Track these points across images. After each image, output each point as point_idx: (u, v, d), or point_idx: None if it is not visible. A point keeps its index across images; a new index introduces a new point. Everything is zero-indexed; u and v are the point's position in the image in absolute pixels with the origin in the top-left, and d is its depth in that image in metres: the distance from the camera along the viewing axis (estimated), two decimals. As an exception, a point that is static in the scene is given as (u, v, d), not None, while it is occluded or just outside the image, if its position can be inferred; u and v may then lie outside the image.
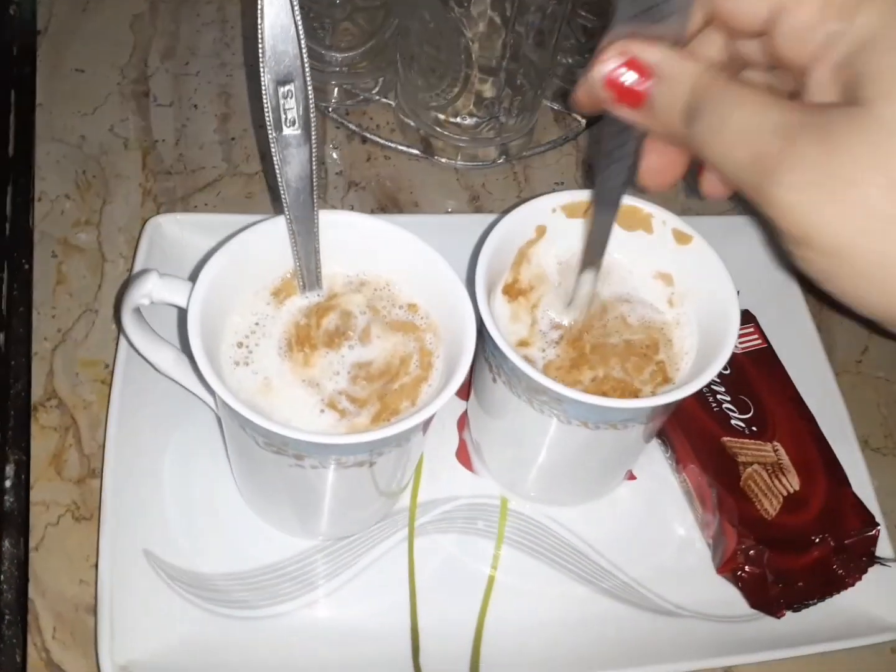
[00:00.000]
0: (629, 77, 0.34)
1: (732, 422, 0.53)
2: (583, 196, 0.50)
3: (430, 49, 0.62)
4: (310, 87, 0.42)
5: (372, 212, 0.66)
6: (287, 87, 0.42)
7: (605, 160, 0.40)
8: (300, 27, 0.40)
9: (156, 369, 0.49)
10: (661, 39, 0.33)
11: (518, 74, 0.63)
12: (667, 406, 0.44)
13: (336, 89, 0.70)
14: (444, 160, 0.69)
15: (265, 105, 0.41)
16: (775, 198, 0.29)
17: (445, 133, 0.67)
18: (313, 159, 0.43)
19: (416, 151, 0.69)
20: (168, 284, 0.44)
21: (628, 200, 0.50)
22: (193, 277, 0.56)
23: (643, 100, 0.34)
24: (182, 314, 0.44)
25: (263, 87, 0.41)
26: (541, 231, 0.50)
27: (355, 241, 0.48)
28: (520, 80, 0.64)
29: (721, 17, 0.36)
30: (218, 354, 0.44)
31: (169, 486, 0.51)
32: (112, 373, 0.54)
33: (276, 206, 0.65)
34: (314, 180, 0.44)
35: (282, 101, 0.42)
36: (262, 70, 0.41)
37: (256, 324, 0.46)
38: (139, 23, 0.75)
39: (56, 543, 0.50)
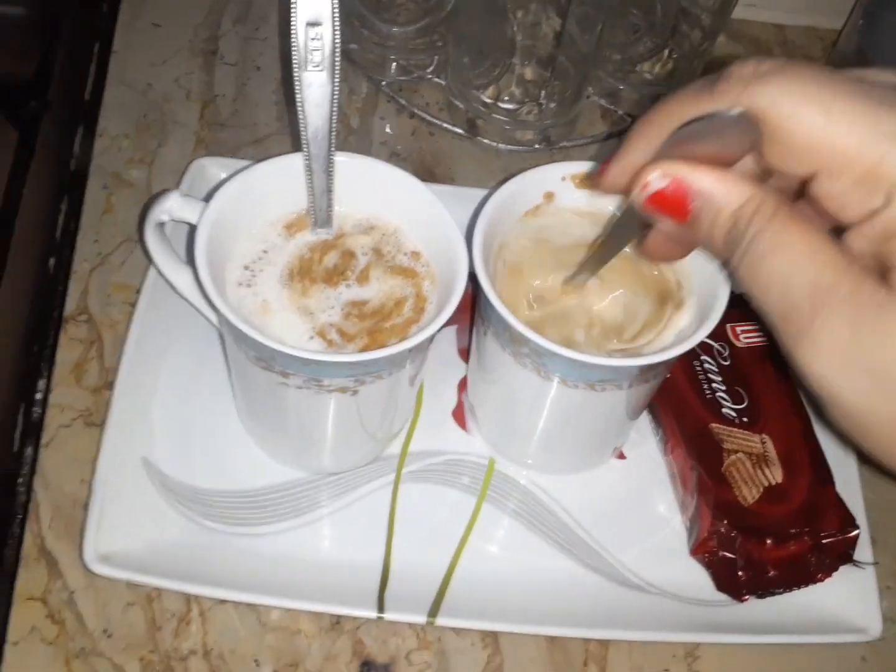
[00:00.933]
0: (672, 197, 0.32)
1: (723, 409, 0.54)
2: (591, 166, 0.51)
3: (477, 28, 0.64)
4: (337, 32, 0.44)
5: (409, 182, 0.69)
6: (316, 30, 0.44)
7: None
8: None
9: (172, 288, 0.52)
10: (707, 158, 0.32)
11: (561, 58, 0.65)
12: (644, 370, 0.45)
13: (393, 65, 0.73)
14: (485, 141, 0.71)
15: (293, 43, 0.44)
16: (801, 360, 0.29)
17: (490, 115, 0.70)
18: (334, 101, 0.46)
19: (459, 130, 0.71)
20: (186, 203, 0.47)
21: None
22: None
23: (685, 218, 0.32)
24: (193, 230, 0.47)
25: (293, 27, 0.44)
26: (549, 197, 0.51)
27: (369, 185, 0.50)
28: (562, 65, 0.66)
29: (764, 159, 0.33)
30: (223, 273, 0.47)
31: (173, 402, 0.54)
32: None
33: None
34: (333, 122, 0.46)
35: (309, 42, 0.44)
36: (292, 9, 0.43)
37: (265, 251, 0.49)
38: (219, -13, 0.79)
39: (65, 444, 0.54)
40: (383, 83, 0.73)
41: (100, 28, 0.81)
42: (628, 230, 0.40)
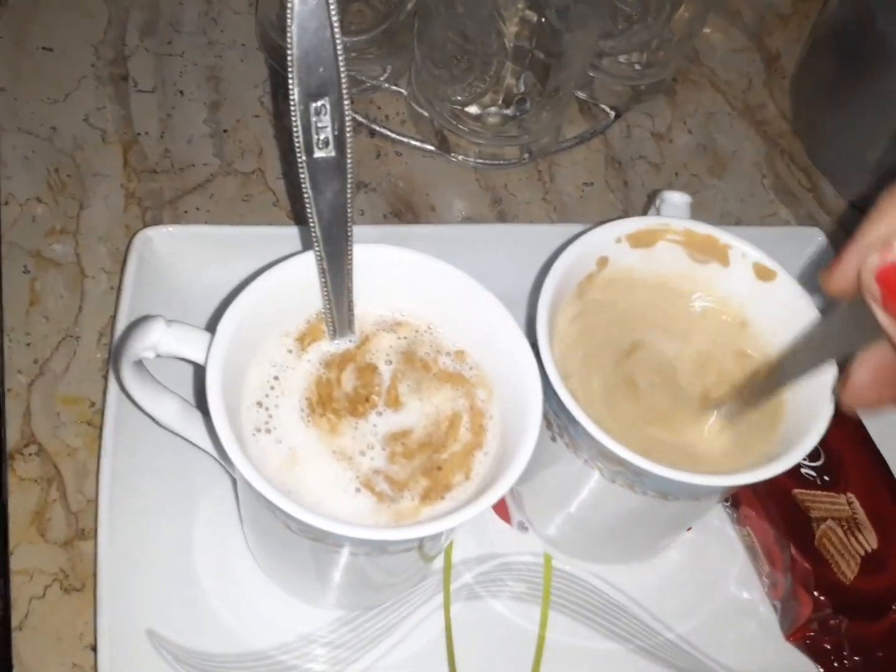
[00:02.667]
0: None
1: (803, 471, 0.48)
2: (649, 223, 0.43)
3: (457, 36, 0.55)
4: (346, 102, 0.35)
5: (384, 217, 0.59)
6: (320, 102, 0.35)
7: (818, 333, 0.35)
8: (337, 30, 0.33)
9: (158, 424, 0.42)
10: None
11: (551, 69, 0.57)
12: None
13: (341, 75, 0.62)
14: (460, 157, 0.62)
15: (294, 124, 0.35)
16: None
17: (462, 127, 0.60)
18: (349, 186, 0.36)
19: (430, 147, 0.62)
20: (178, 335, 0.37)
21: (699, 225, 0.44)
22: (190, 300, 0.50)
23: None
24: (198, 370, 0.37)
25: (292, 103, 0.34)
26: (602, 262, 0.43)
27: (390, 276, 0.41)
28: (552, 76, 0.57)
29: None
30: (239, 418, 0.37)
31: (172, 553, 0.45)
32: (102, 413, 0.47)
33: (277, 211, 0.58)
34: (349, 211, 0.37)
35: (313, 119, 0.35)
36: (290, 83, 0.34)
37: (275, 378, 0.39)
38: (113, -9, 0.66)
39: (43, 620, 0.44)
40: (333, 98, 0.63)
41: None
42: (832, 346, 0.33)
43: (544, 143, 0.62)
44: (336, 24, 0.32)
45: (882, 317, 0.27)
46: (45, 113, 0.59)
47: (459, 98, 0.58)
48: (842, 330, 0.33)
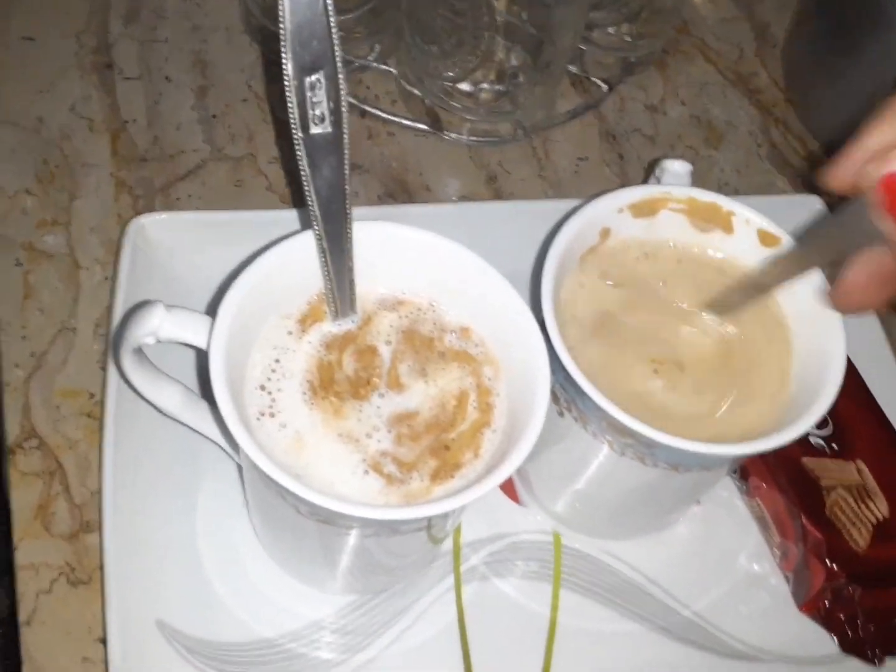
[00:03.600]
0: None
1: (811, 439, 0.48)
2: (651, 192, 0.43)
3: (447, 11, 0.54)
4: (341, 76, 0.34)
5: (378, 198, 0.59)
6: (315, 77, 0.34)
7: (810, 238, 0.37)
8: (330, 3, 0.32)
9: (160, 412, 0.42)
10: None
11: (543, 43, 0.56)
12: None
13: (329, 56, 0.61)
14: (453, 135, 0.61)
15: (288, 100, 0.34)
16: None
17: (455, 104, 0.60)
18: (346, 162, 0.36)
19: (422, 126, 0.61)
20: (179, 319, 0.37)
21: (702, 193, 0.43)
22: (187, 287, 0.50)
23: None
24: (199, 355, 0.36)
25: (286, 78, 0.33)
26: (605, 234, 0.43)
27: (391, 254, 0.40)
28: (544, 50, 0.56)
29: None
30: (242, 402, 0.37)
31: (179, 542, 0.44)
32: (102, 404, 0.46)
33: (269, 197, 0.57)
34: (347, 189, 0.36)
35: (308, 95, 0.34)
36: (284, 57, 0.33)
37: (277, 360, 0.39)
38: (93, -21, 0.65)
39: (51, 614, 0.43)
40: (322, 79, 0.62)
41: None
42: (832, 246, 0.35)
43: (538, 118, 0.62)
44: (329, -1, 0.32)
45: (883, 221, 0.29)
46: (30, 104, 0.58)
47: (451, 74, 0.57)
48: (838, 233, 0.34)
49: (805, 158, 0.66)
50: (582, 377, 0.36)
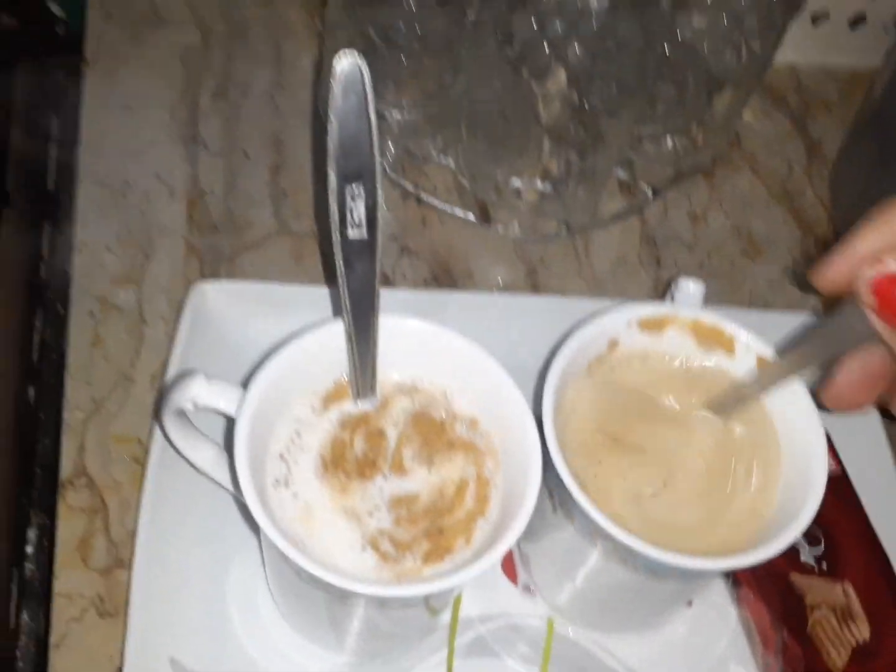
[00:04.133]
0: None
1: (802, 557, 0.50)
2: (660, 310, 0.46)
3: (499, 118, 0.58)
4: (379, 187, 0.38)
5: (424, 281, 0.63)
6: (355, 185, 0.38)
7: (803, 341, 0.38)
8: (374, 121, 0.36)
9: (193, 467, 0.46)
10: None
11: (589, 149, 0.60)
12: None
13: (393, 147, 0.66)
14: (500, 229, 0.65)
15: (330, 203, 0.38)
16: None
17: (504, 201, 0.64)
18: (378, 264, 0.40)
19: (471, 218, 0.66)
20: (216, 390, 0.41)
21: (708, 316, 0.46)
22: (237, 351, 0.54)
23: None
24: (231, 421, 0.41)
25: (329, 184, 0.37)
26: (613, 344, 0.46)
27: (412, 346, 0.44)
28: (590, 156, 0.60)
29: None
30: (263, 468, 0.41)
31: (200, 588, 0.48)
32: (147, 452, 0.51)
33: (328, 274, 0.62)
34: (377, 286, 0.41)
35: (348, 202, 0.38)
36: (329, 165, 0.37)
37: (297, 433, 0.43)
38: (191, 56, 0.71)
39: (78, 641, 0.48)
40: (386, 167, 0.67)
41: (56, 98, 0.73)
42: (827, 347, 0.36)
43: (581, 219, 0.65)
44: (373, 118, 0.36)
45: (877, 323, 0.30)
46: (120, 167, 0.65)
47: (500, 175, 0.61)
48: (830, 334, 0.36)
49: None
50: (569, 478, 0.39)
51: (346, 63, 0.33)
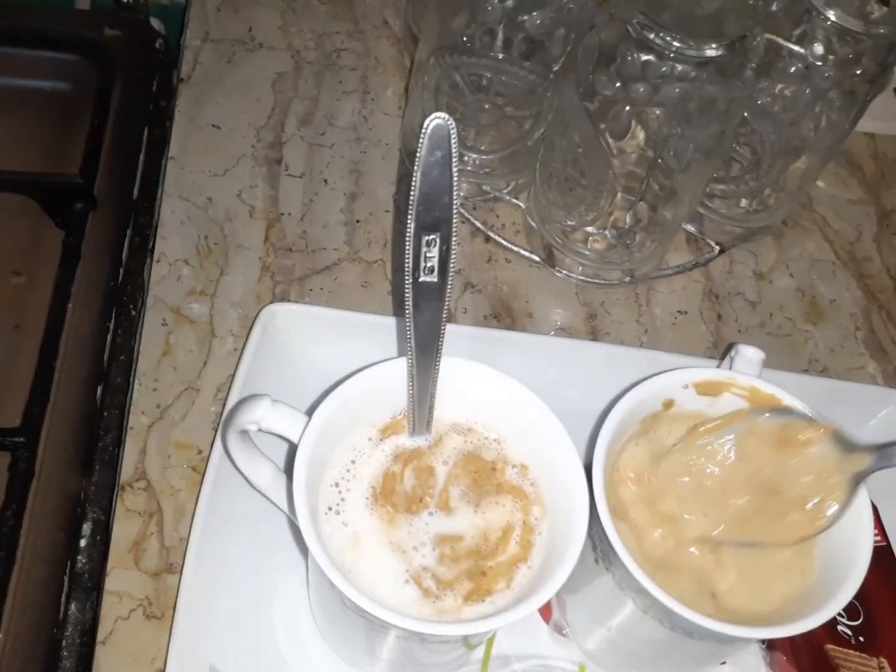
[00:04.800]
0: None
1: (839, 628, 0.50)
2: (717, 375, 0.47)
3: (573, 170, 0.60)
4: (455, 240, 0.40)
5: (485, 318, 0.64)
6: (431, 236, 0.40)
7: None
8: (456, 179, 0.38)
9: (250, 485, 0.48)
10: None
11: (660, 203, 0.61)
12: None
13: (466, 185, 0.68)
14: (563, 273, 0.66)
15: (406, 250, 0.40)
16: None
17: (571, 246, 0.65)
18: (445, 310, 0.41)
19: (537, 259, 0.67)
20: (280, 414, 0.43)
21: (765, 385, 0.47)
22: (301, 373, 0.56)
23: None
24: (292, 445, 0.42)
25: (408, 234, 0.39)
26: (668, 404, 0.47)
27: (470, 389, 0.46)
28: (661, 210, 0.61)
29: None
30: (318, 495, 0.43)
31: (246, 600, 0.50)
32: (206, 461, 0.53)
33: (392, 301, 0.64)
34: (443, 329, 0.42)
35: (423, 249, 0.40)
36: (409, 216, 0.39)
37: (352, 461, 0.44)
38: (281, 82, 0.74)
39: (124, 640, 0.49)
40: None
41: (149, 109, 0.77)
42: None
43: (646, 269, 0.66)
44: (456, 175, 0.38)
45: None
46: (204, 184, 0.67)
47: (569, 223, 0.63)
48: None
49: (903, 349, 0.68)
50: (614, 534, 0.40)
51: (437, 122, 0.35)
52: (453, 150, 0.36)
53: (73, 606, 0.54)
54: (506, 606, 0.41)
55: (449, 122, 0.35)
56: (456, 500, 0.44)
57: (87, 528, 0.57)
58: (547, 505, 0.44)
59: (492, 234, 0.68)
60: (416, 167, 0.37)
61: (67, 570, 0.55)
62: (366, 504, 0.43)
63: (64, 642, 0.53)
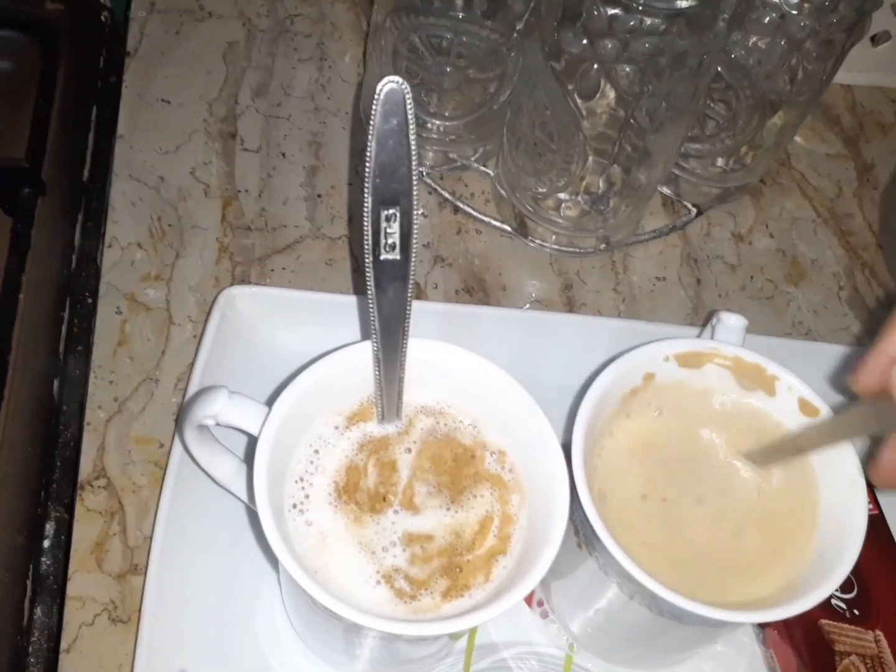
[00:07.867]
0: None
1: (833, 601, 0.48)
2: (698, 346, 0.45)
3: (542, 134, 0.57)
4: (415, 213, 0.37)
5: (456, 293, 0.62)
6: (391, 211, 0.37)
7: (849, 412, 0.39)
8: (414, 149, 0.35)
9: (213, 481, 0.45)
10: None
11: (634, 165, 0.58)
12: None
13: (432, 154, 0.65)
14: (537, 242, 0.64)
15: (364, 227, 0.37)
16: None
17: (543, 214, 0.62)
18: (409, 288, 0.39)
19: (508, 229, 0.64)
20: (238, 407, 0.40)
21: (749, 353, 0.45)
22: (265, 356, 0.54)
23: None
24: (251, 439, 0.40)
25: (365, 208, 0.37)
26: (649, 377, 0.45)
27: (440, 371, 0.43)
28: (635, 172, 0.59)
29: None
30: (282, 491, 0.40)
31: (215, 599, 0.47)
32: (167, 455, 0.50)
33: (357, 279, 0.61)
34: (408, 310, 0.39)
35: (383, 225, 0.37)
36: (365, 190, 0.36)
37: (316, 452, 0.42)
38: (233, 52, 0.71)
39: (89, 647, 0.47)
40: (424, 172, 0.66)
41: (96, 87, 0.73)
42: (861, 429, 0.39)
43: (622, 235, 0.64)
44: (413, 143, 0.35)
45: None
46: (155, 163, 0.64)
47: (540, 190, 0.60)
48: (873, 415, 0.37)
49: (886, 307, 0.66)
50: (597, 519, 0.38)
51: (390, 87, 0.32)
52: (409, 117, 0.33)
53: (38, 611, 0.52)
54: (486, 600, 0.39)
55: (403, 87, 0.32)
56: (423, 496, 0.41)
57: (49, 527, 0.54)
58: (526, 491, 0.42)
59: (460, 205, 0.65)
60: (369, 136, 0.34)
61: (31, 574, 0.52)
62: (329, 501, 0.40)
63: (30, 648, 0.50)
